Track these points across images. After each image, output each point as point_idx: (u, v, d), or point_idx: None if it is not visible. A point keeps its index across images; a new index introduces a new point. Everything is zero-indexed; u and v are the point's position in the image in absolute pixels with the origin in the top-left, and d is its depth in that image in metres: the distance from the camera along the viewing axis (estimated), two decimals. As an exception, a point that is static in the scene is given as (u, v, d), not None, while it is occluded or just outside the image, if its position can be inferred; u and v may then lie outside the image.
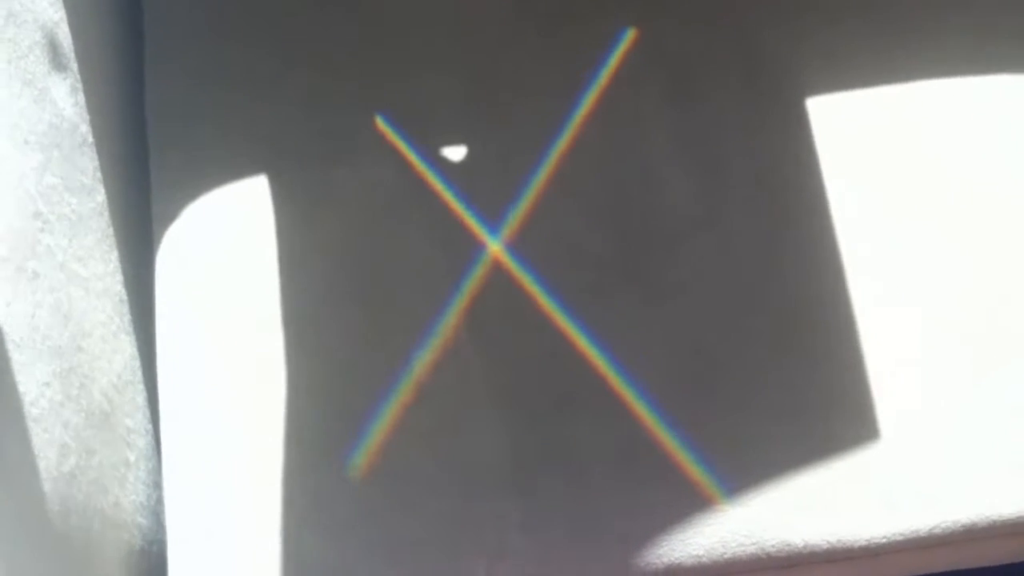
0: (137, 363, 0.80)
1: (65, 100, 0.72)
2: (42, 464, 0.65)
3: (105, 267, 0.76)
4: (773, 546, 0.72)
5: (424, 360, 0.74)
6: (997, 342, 0.75)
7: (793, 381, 0.74)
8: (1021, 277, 0.76)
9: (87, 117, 0.75)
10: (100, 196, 0.76)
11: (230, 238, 0.79)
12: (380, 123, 0.78)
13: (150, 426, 0.80)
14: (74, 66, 0.74)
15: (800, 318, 0.75)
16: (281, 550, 0.72)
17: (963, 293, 0.76)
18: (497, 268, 0.75)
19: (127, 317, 0.79)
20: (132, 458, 0.76)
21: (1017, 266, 0.76)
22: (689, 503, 0.72)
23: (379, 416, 0.73)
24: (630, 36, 0.79)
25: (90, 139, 0.75)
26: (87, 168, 0.74)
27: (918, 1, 0.83)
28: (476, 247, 0.76)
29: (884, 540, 0.72)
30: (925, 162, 0.78)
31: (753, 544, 0.72)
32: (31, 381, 0.63)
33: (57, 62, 0.71)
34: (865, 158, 0.79)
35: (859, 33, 0.82)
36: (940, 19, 0.82)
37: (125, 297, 0.79)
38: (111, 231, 0.78)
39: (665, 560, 0.72)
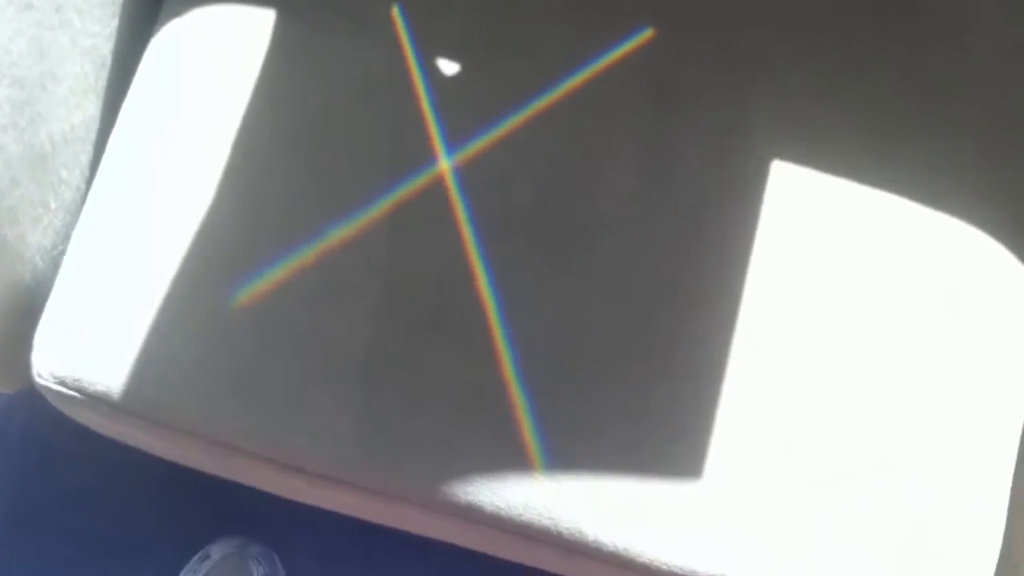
0: (95, 126, 0.83)
1: None
2: (-38, 172, 0.69)
3: (100, 29, 0.80)
4: (566, 528, 0.76)
5: (337, 235, 0.77)
6: (847, 446, 0.78)
7: (650, 390, 0.78)
8: (885, 396, 0.79)
9: None
10: (122, -35, 0.80)
11: (219, 55, 0.82)
12: (395, 12, 0.81)
13: (83, 187, 0.84)
14: None
15: (681, 341, 0.79)
16: (143, 343, 0.76)
17: (837, 382, 0.79)
18: (438, 184, 0.78)
19: (102, 82, 0.82)
20: (54, 206, 0.80)
21: (886, 387, 0.80)
22: (510, 458, 0.76)
23: (276, 265, 0.76)
24: (644, 36, 0.82)
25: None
26: (117, -65, 0.78)
27: (913, 122, 0.85)
28: (428, 158, 0.79)
29: (664, 567, 0.76)
30: (849, 261, 0.81)
31: (550, 519, 0.76)
32: (-17, 96, 0.67)
33: None
34: (804, 233, 0.81)
35: (844, 120, 0.84)
36: (918, 148, 0.84)
37: (108, 64, 0.82)
38: (120, 0, 0.81)
39: (468, 499, 0.76)
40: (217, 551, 1.04)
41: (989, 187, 0.84)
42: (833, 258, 0.81)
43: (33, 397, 0.82)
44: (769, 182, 0.82)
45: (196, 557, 1.06)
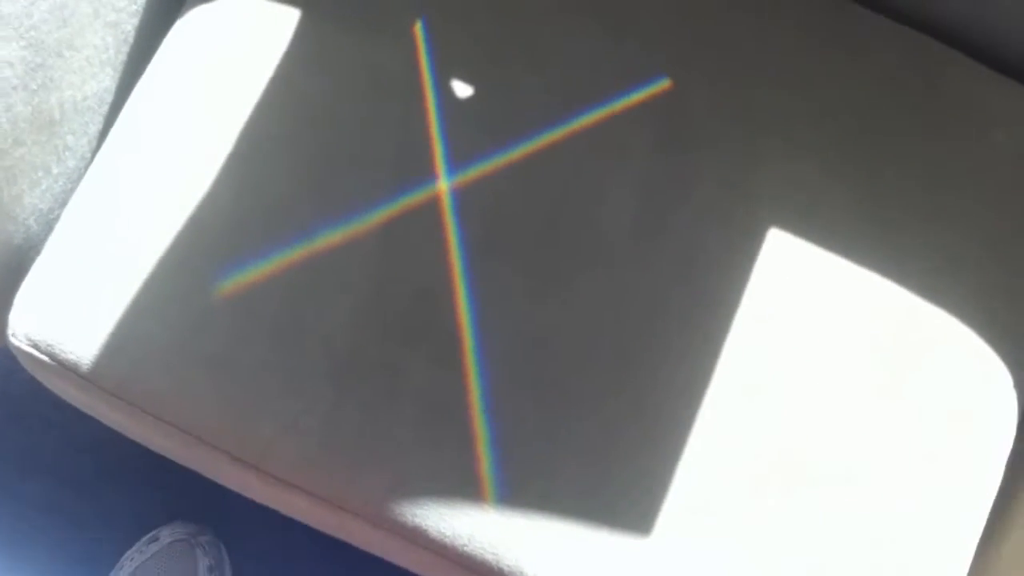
0: (109, 99, 0.84)
1: None
2: (-36, 125, 0.70)
3: (126, 4, 0.81)
4: (508, 565, 0.76)
5: (328, 237, 0.78)
6: (814, 516, 0.78)
7: (614, 437, 0.77)
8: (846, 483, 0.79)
9: None
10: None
11: (240, 44, 0.83)
12: (418, 26, 0.81)
13: (88, 156, 0.84)
14: None
15: (651, 392, 0.78)
16: (121, 318, 0.77)
17: (807, 449, 0.79)
18: (434, 202, 0.78)
19: (122, 57, 0.83)
20: (56, 171, 0.81)
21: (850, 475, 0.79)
22: (463, 487, 0.75)
23: (264, 258, 0.77)
24: (662, 85, 0.82)
25: None
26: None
27: (919, 210, 0.84)
28: (428, 175, 0.79)
29: (601, 618, 0.76)
30: (830, 335, 0.81)
31: (492, 554, 0.75)
32: (-5, 52, 0.68)
33: None
34: (789, 301, 0.81)
35: (849, 197, 0.84)
36: (919, 237, 0.84)
37: (131, 40, 0.83)
38: (148, -22, 0.82)
39: (416, 521, 0.75)
40: (167, 535, 1.04)
41: (986, 288, 0.83)
42: (814, 331, 0.81)
43: (14, 360, 0.83)
44: (764, 245, 0.81)
45: (146, 538, 1.06)
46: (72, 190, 0.83)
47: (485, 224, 0.80)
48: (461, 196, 0.79)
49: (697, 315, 0.80)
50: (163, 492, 1.11)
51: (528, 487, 0.76)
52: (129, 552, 1.05)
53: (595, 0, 0.86)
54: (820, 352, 0.80)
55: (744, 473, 0.78)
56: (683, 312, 0.80)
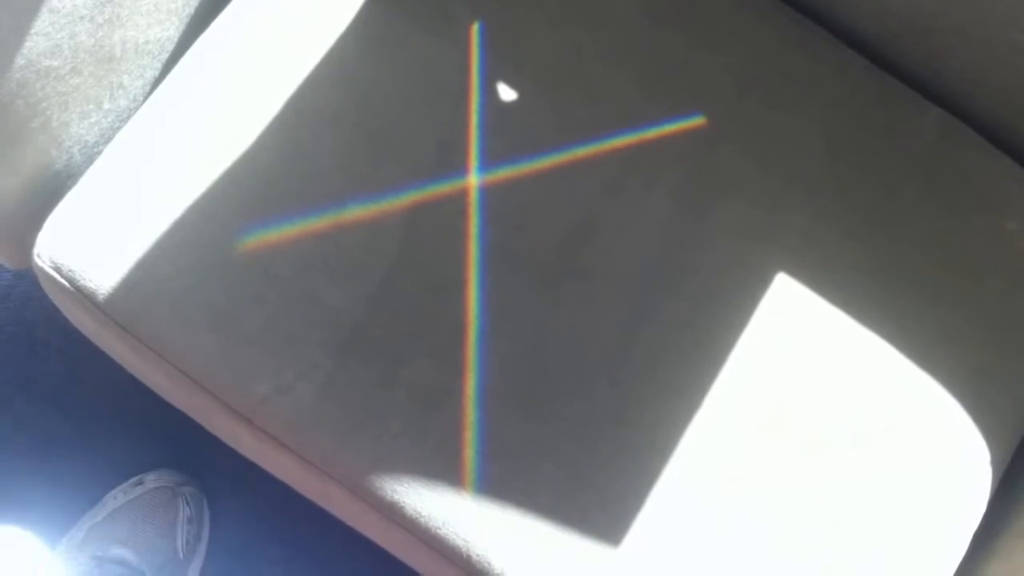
0: (169, 47, 0.87)
1: None
2: (28, 44, 0.73)
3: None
4: (478, 554, 0.77)
5: (356, 212, 0.80)
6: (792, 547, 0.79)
7: (599, 461, 0.79)
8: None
9: None
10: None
11: (305, 13, 0.86)
12: (475, 27, 0.84)
13: (140, 99, 0.87)
14: None
15: (639, 426, 0.80)
16: (143, 256, 0.79)
17: (783, 490, 0.80)
18: (462, 195, 0.81)
19: (189, 10, 0.86)
20: (107, 106, 0.84)
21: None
22: (446, 472, 0.77)
23: (291, 222, 0.79)
24: (695, 122, 0.85)
25: None
26: None
27: (931, 283, 0.86)
28: (459, 168, 0.81)
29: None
30: (821, 388, 0.83)
31: (463, 540, 0.77)
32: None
33: None
34: (789, 351, 0.83)
35: (865, 261, 0.86)
36: (928, 309, 0.86)
37: (200, -5, 0.86)
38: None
39: (394, 496, 0.77)
40: (152, 480, 1.06)
41: (980, 368, 0.85)
42: (805, 381, 0.82)
43: (33, 286, 0.84)
44: (774, 293, 0.83)
45: (131, 481, 1.07)
46: (119, 128, 0.86)
47: (508, 229, 0.82)
48: (488, 195, 0.81)
49: (697, 357, 0.82)
50: (155, 438, 1.13)
51: (508, 483, 0.78)
52: (113, 491, 1.07)
53: (652, 49, 0.88)
54: (805, 400, 0.82)
55: (706, 513, 0.79)
56: (685, 354, 0.82)
